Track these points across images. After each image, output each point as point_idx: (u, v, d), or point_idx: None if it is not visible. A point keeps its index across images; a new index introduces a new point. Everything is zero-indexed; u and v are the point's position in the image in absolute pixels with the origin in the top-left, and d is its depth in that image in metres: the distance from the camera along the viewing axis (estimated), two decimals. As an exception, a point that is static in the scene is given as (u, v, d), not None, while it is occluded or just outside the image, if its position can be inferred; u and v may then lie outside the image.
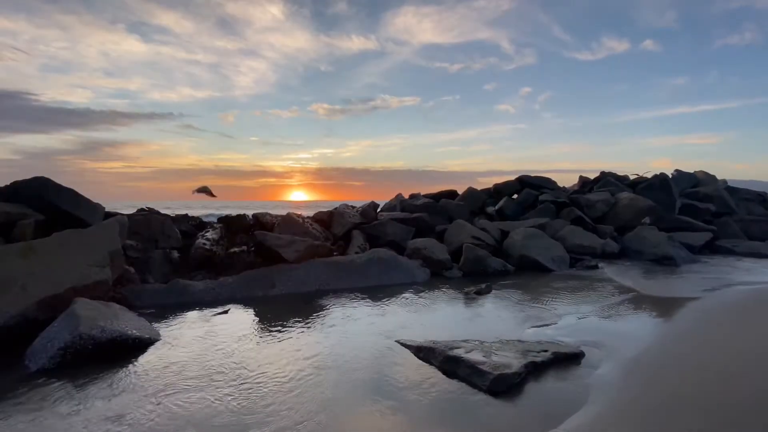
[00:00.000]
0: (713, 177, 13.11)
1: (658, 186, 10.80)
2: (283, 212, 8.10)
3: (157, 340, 3.69)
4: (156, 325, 4.14)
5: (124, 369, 3.14)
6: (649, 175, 11.68)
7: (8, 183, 5.59)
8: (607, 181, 12.02)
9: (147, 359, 3.34)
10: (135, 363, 3.25)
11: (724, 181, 13.15)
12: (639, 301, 5.10)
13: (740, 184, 13.03)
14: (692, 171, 13.12)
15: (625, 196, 10.45)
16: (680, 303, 5.00)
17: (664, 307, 4.86)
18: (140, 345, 3.52)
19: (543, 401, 2.64)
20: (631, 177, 12.30)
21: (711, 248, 9.27)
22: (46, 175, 5.59)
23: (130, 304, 4.65)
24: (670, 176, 11.54)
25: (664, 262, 7.85)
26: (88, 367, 3.14)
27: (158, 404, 2.61)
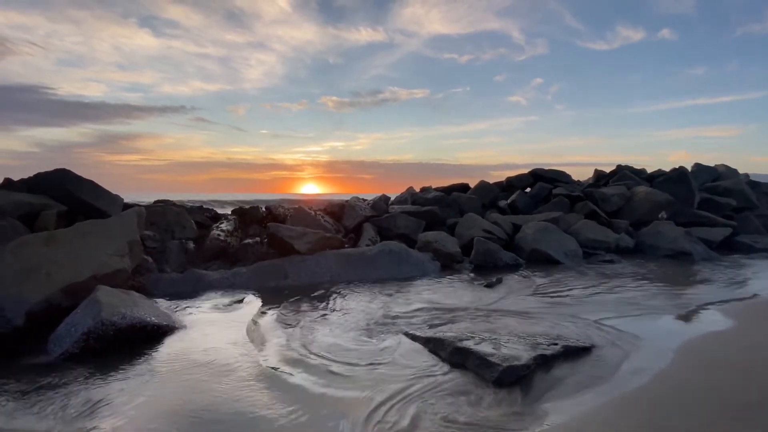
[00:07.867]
0: (735, 171, 12.72)
1: (676, 179, 10.55)
2: (295, 205, 8.20)
3: (175, 327, 3.81)
4: (174, 312, 4.27)
5: (147, 354, 3.26)
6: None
7: (32, 175, 5.81)
8: (624, 174, 11.78)
9: (167, 345, 3.46)
10: (156, 348, 3.38)
11: (747, 175, 12.76)
12: (652, 294, 5.03)
13: (761, 177, 12.64)
14: (712, 164, 12.76)
15: (642, 189, 10.24)
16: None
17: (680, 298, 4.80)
18: (159, 332, 3.64)
19: (551, 393, 2.66)
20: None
21: (730, 244, 9.04)
22: (65, 168, 5.79)
23: (148, 293, 4.80)
24: (690, 170, 11.24)
25: (681, 258, 7.71)
26: (111, 351, 3.27)
27: (179, 389, 2.71)
